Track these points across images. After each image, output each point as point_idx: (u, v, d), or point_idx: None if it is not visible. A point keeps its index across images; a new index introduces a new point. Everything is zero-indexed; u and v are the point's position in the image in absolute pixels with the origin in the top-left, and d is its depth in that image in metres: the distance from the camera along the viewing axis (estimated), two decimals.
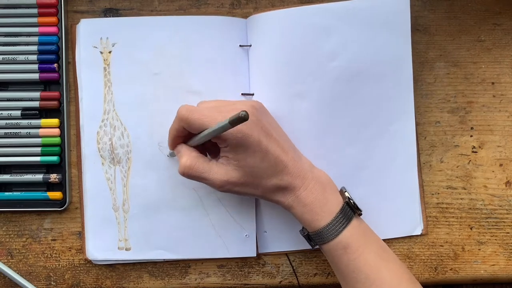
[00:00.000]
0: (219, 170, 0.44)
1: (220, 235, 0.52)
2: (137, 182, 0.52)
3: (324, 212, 0.45)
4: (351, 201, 0.46)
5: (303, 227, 0.49)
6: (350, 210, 0.46)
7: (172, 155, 0.51)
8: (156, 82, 0.51)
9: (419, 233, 0.53)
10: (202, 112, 0.44)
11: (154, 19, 0.52)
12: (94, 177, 0.52)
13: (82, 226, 0.53)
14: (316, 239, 0.46)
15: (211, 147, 0.48)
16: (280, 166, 0.45)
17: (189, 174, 0.45)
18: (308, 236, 0.47)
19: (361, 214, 0.47)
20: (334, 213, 0.45)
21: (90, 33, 0.52)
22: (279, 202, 0.46)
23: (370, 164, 0.53)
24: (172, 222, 0.52)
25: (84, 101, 0.52)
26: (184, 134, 0.46)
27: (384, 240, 0.52)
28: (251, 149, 0.43)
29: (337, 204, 0.46)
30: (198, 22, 0.51)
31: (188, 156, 0.45)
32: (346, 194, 0.47)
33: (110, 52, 0.52)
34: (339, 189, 0.48)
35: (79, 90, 0.52)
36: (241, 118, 0.37)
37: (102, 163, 0.52)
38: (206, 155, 0.48)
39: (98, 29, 0.52)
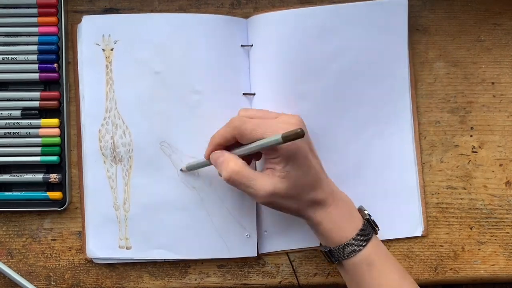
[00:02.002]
0: (265, 181, 0.44)
1: (221, 235, 0.52)
2: (138, 181, 0.52)
3: (349, 228, 0.46)
4: (371, 218, 0.48)
5: (320, 244, 0.49)
6: (370, 227, 0.47)
7: (189, 169, 0.51)
8: (158, 81, 0.51)
9: (420, 234, 0.53)
10: (255, 123, 0.44)
11: (156, 16, 0.52)
12: (95, 176, 0.52)
13: (83, 225, 0.53)
14: (339, 255, 0.47)
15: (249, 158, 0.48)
16: (318, 182, 0.46)
17: (235, 180, 0.44)
18: (330, 251, 0.48)
19: (378, 232, 0.48)
20: (356, 229, 0.46)
21: (92, 30, 0.52)
22: (310, 218, 0.47)
23: (369, 164, 0.53)
24: (173, 221, 0.52)
25: (85, 99, 0.52)
26: (230, 143, 0.47)
27: (384, 240, 0.53)
28: (300, 162, 0.44)
29: (359, 221, 0.47)
30: (201, 21, 0.51)
31: (235, 161, 0.45)
32: (366, 212, 0.48)
33: (112, 49, 0.52)
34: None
35: (80, 88, 0.52)
36: (297, 135, 0.38)
37: (104, 162, 0.52)
38: None
39: (100, 26, 0.52)
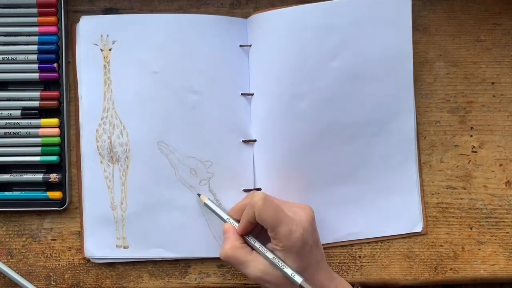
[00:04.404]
0: (257, 265, 0.46)
1: (216, 235, 0.52)
2: (135, 181, 0.52)
3: None
4: None
5: None
6: None
7: (208, 207, 0.51)
8: (156, 81, 0.51)
9: (420, 230, 0.53)
10: (275, 208, 0.45)
11: (155, 17, 0.52)
12: (92, 175, 0.52)
13: (81, 225, 0.53)
14: None
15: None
16: (317, 271, 0.47)
17: (227, 262, 0.48)
18: None
19: None
20: None
21: (90, 30, 0.52)
22: None
23: (370, 161, 0.53)
24: (169, 221, 0.52)
25: (83, 99, 0.52)
26: (253, 220, 0.47)
27: (384, 238, 0.53)
28: (302, 255, 0.45)
29: None
30: (199, 21, 0.51)
31: (231, 245, 0.47)
32: None
33: (110, 49, 0.52)
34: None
35: (78, 87, 0.52)
36: None
37: (101, 162, 0.52)
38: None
39: (99, 26, 0.52)
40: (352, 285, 0.49)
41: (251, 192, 0.51)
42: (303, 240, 0.45)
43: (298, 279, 0.44)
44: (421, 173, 0.53)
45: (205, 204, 0.51)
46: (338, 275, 0.50)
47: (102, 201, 0.52)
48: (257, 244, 0.47)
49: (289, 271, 0.45)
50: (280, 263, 0.45)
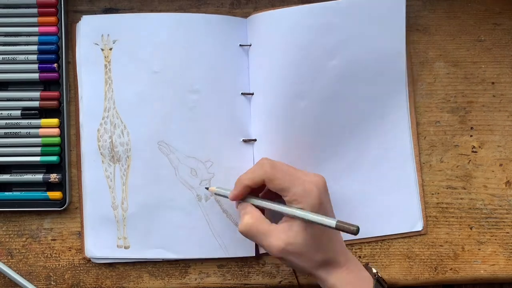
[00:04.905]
0: (279, 235, 0.44)
1: (217, 235, 0.52)
2: (136, 181, 0.52)
3: None
4: (379, 275, 0.47)
5: None
6: (380, 285, 0.46)
7: (216, 194, 0.50)
8: (156, 80, 0.51)
9: (420, 229, 0.53)
10: (285, 172, 0.45)
11: (155, 16, 0.52)
12: (93, 175, 0.52)
13: (81, 225, 0.53)
14: None
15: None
16: (333, 240, 0.46)
17: (247, 233, 0.46)
18: None
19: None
20: None
21: (91, 30, 0.52)
22: (323, 280, 0.46)
23: (367, 160, 0.53)
24: (170, 221, 0.52)
25: (84, 99, 0.52)
26: (258, 187, 0.46)
27: (384, 237, 0.53)
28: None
29: (368, 281, 0.46)
30: (199, 20, 0.51)
31: (251, 215, 0.46)
32: (374, 270, 0.48)
33: (111, 49, 0.52)
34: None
35: (79, 87, 0.52)
36: (349, 231, 0.40)
37: (102, 161, 0.52)
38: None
39: (99, 26, 0.52)
40: (366, 266, 0.49)
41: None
42: (320, 199, 0.44)
43: (332, 221, 0.41)
44: (421, 173, 0.53)
45: (216, 194, 0.50)
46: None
47: (103, 201, 0.52)
48: (275, 204, 0.45)
49: (319, 216, 0.42)
50: (306, 213, 0.43)
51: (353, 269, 0.46)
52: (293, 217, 0.44)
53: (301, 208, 0.44)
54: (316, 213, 0.44)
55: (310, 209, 0.44)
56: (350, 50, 0.51)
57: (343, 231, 0.41)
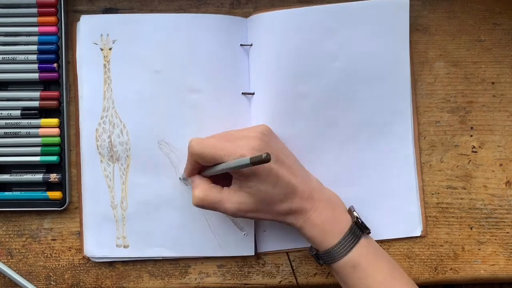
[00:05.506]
0: (231, 198, 0.45)
1: (216, 235, 0.52)
2: (136, 180, 0.52)
3: (334, 232, 0.46)
4: (359, 220, 0.47)
5: (311, 247, 0.49)
6: (359, 229, 0.46)
7: (184, 179, 0.51)
8: (156, 80, 0.51)
9: (419, 234, 0.53)
10: (213, 145, 0.44)
11: (155, 16, 0.52)
12: (92, 175, 0.52)
13: (80, 224, 0.53)
14: (325, 258, 0.47)
15: (223, 174, 0.48)
16: (291, 190, 0.45)
17: (201, 205, 0.46)
18: (317, 255, 0.48)
19: (369, 233, 0.47)
20: (343, 232, 0.46)
21: (90, 29, 0.52)
22: (290, 224, 0.47)
23: (368, 163, 0.53)
24: (170, 220, 0.52)
25: (83, 98, 0.52)
26: (199, 167, 0.47)
27: (383, 240, 0.53)
28: (263, 177, 0.44)
29: (346, 223, 0.46)
30: (199, 20, 0.51)
31: (200, 188, 0.46)
32: (355, 213, 0.48)
33: (110, 49, 0.52)
34: (347, 208, 0.49)
35: (78, 87, 0.52)
36: (263, 160, 0.38)
37: (101, 161, 0.52)
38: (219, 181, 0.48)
39: (99, 25, 0.52)
40: (349, 210, 0.49)
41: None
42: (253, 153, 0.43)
43: (246, 160, 0.40)
44: (421, 173, 0.53)
45: (183, 179, 0.51)
46: (325, 187, 0.49)
47: (103, 200, 0.52)
48: (209, 169, 0.46)
49: (235, 161, 0.42)
50: (227, 164, 0.43)
51: (324, 212, 0.46)
52: (232, 173, 0.44)
53: (242, 177, 0.44)
54: (255, 173, 0.43)
55: (248, 170, 0.43)
56: (351, 53, 0.51)
57: (257, 163, 0.39)
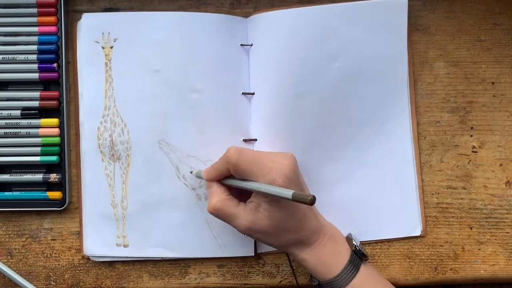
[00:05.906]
0: (246, 216, 0.45)
1: (216, 235, 0.52)
2: (136, 179, 0.52)
3: (336, 263, 0.46)
4: (357, 248, 0.48)
5: (312, 276, 0.49)
6: (358, 257, 0.47)
7: (198, 177, 0.50)
8: (157, 80, 0.51)
9: (418, 234, 0.53)
10: (252, 160, 0.44)
11: (156, 15, 0.52)
12: (93, 173, 0.52)
13: (80, 223, 0.53)
14: None
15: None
16: (302, 223, 0.46)
17: (215, 215, 0.46)
18: (319, 285, 0.48)
19: (367, 260, 0.48)
20: (344, 263, 0.46)
21: (91, 28, 0.52)
22: (293, 254, 0.47)
23: (367, 163, 0.53)
24: (170, 220, 0.52)
25: (84, 97, 0.52)
26: (227, 175, 0.47)
27: (383, 240, 0.53)
28: (285, 205, 0.44)
29: (346, 253, 0.47)
30: (201, 19, 0.51)
31: (218, 198, 0.46)
32: (353, 242, 0.48)
33: (111, 47, 0.52)
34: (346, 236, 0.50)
35: (79, 85, 0.52)
36: (306, 202, 0.39)
37: (102, 159, 0.52)
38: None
39: (100, 24, 0.52)
40: (347, 238, 0.49)
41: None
42: (284, 185, 0.43)
43: (288, 192, 0.40)
44: (421, 173, 0.53)
45: (196, 175, 0.51)
46: (327, 221, 0.50)
47: (103, 199, 0.52)
48: (237, 181, 0.45)
49: (276, 188, 0.42)
50: (266, 186, 0.43)
51: (327, 245, 0.47)
52: (258, 193, 0.44)
53: (266, 200, 0.44)
54: (279, 201, 0.43)
55: (275, 200, 0.44)
56: (351, 53, 0.51)
57: (299, 201, 0.40)
